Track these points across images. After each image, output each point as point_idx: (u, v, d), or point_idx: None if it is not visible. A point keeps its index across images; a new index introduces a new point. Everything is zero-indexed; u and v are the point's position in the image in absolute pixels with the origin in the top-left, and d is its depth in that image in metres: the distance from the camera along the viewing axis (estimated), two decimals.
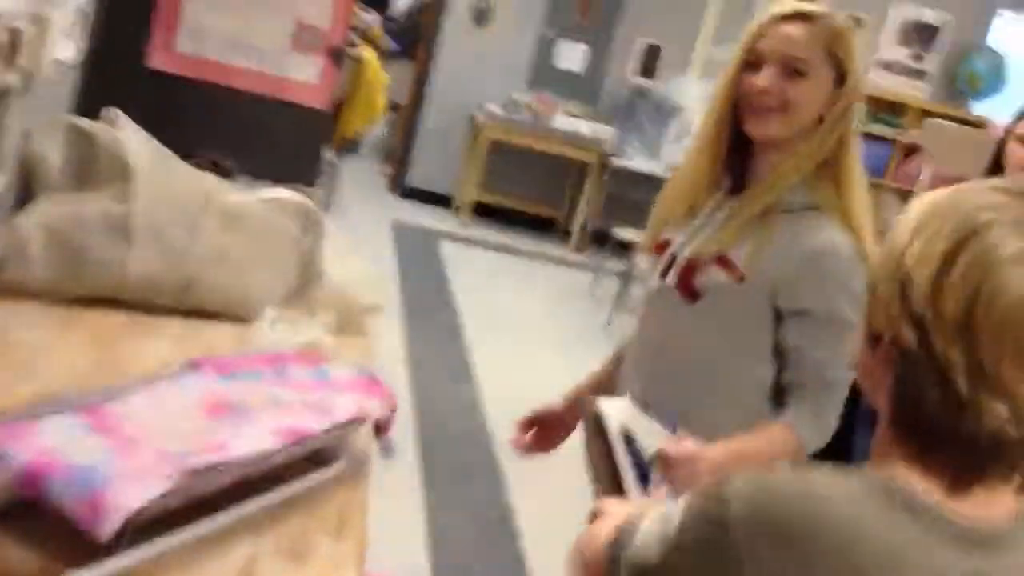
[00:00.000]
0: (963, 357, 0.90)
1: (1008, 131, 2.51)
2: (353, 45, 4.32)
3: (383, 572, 2.80)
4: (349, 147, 4.38)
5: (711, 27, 8.13)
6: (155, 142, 2.36)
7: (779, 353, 1.74)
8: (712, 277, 1.72)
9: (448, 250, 7.41)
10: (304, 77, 3.14)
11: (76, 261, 2.12)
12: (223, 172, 2.82)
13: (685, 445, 1.64)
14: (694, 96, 7.61)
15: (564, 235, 8.39)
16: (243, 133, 3.03)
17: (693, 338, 1.79)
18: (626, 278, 6.29)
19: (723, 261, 1.71)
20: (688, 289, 1.75)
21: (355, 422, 1.71)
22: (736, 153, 1.79)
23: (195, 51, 3.00)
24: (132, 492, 1.26)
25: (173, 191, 2.24)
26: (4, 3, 1.93)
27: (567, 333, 5.99)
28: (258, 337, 2.17)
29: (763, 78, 1.68)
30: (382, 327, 2.51)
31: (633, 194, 7.83)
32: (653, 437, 1.65)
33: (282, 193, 2.50)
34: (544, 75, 8.41)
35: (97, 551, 1.27)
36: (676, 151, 7.60)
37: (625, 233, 6.42)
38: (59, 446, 1.35)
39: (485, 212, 8.43)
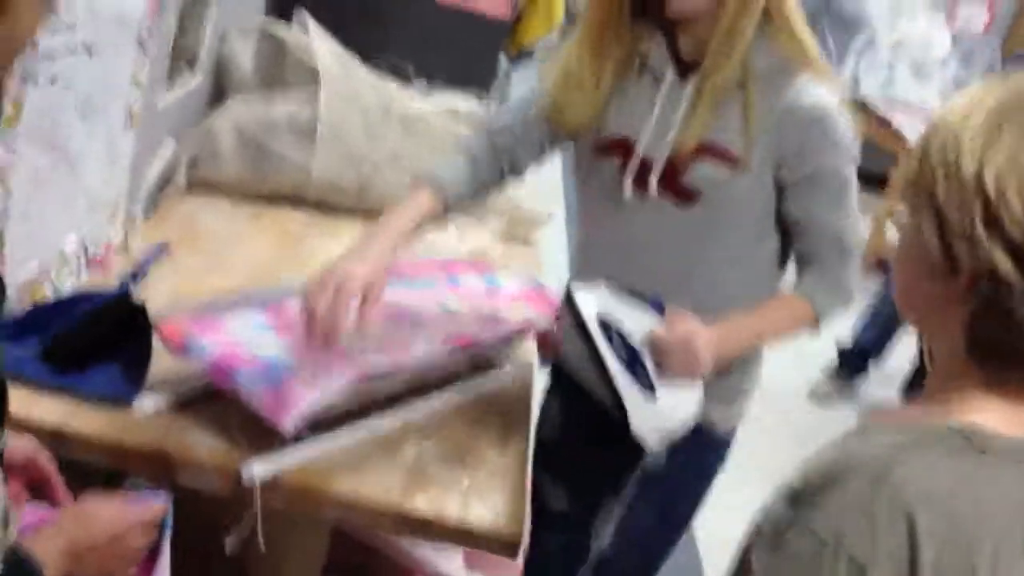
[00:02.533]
0: None
1: None
2: None
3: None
4: (523, 54, 4.38)
5: None
6: (340, 48, 2.42)
7: (782, 223, 1.59)
8: (704, 172, 1.52)
9: None
10: None
11: (263, 160, 2.21)
12: (402, 76, 2.86)
13: (678, 325, 1.48)
14: (883, 9, 7.23)
15: None
16: (423, 38, 3.04)
17: (694, 241, 1.58)
18: None
19: (712, 151, 1.51)
20: (679, 192, 1.54)
21: (522, 333, 1.74)
22: (659, 34, 1.55)
23: None
24: (313, 389, 1.33)
25: (357, 97, 2.29)
26: None
27: None
28: (430, 241, 2.22)
29: None
30: (547, 236, 2.53)
31: None
32: (639, 322, 1.49)
33: (457, 101, 2.53)
34: None
35: (277, 442, 1.35)
36: (859, 65, 7.25)
37: None
38: (245, 341, 1.42)
39: None
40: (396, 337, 1.56)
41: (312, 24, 2.37)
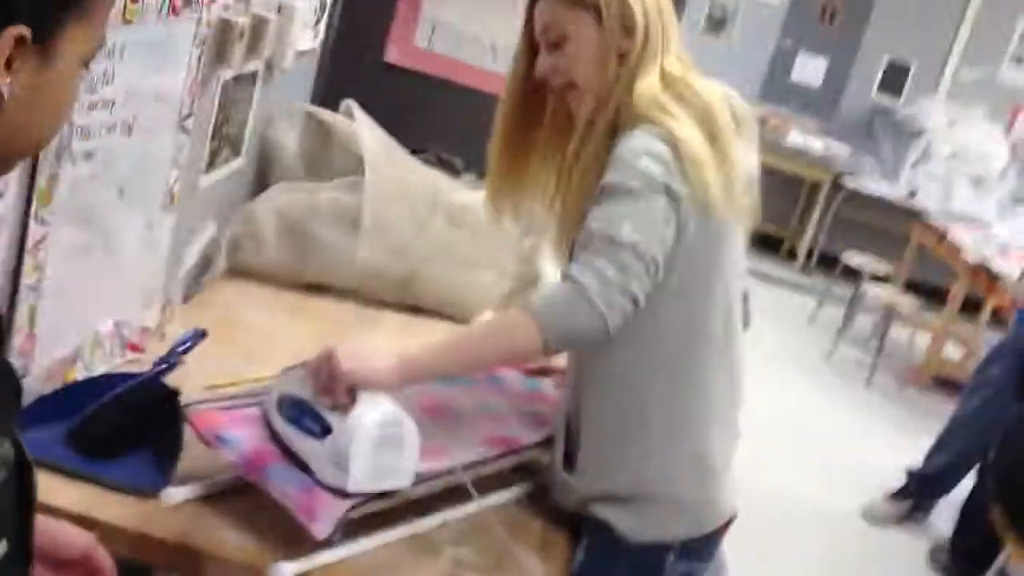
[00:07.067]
0: None
1: None
2: None
3: None
4: None
5: (963, 47, 7.66)
6: (387, 136, 2.39)
7: None
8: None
9: None
10: None
11: (305, 248, 2.16)
12: (450, 168, 2.83)
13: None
14: (940, 119, 7.18)
15: (789, 256, 8.10)
16: (471, 130, 3.02)
17: None
18: (853, 305, 5.98)
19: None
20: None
21: None
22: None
23: (430, 46, 3.02)
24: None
25: (403, 187, 2.25)
26: None
27: (785, 358, 5.77)
28: None
29: (538, 67, 1.55)
30: None
31: (865, 217, 7.44)
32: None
33: None
34: (778, 88, 8.11)
35: (308, 543, 1.26)
36: (915, 175, 7.18)
37: (855, 258, 6.09)
38: (281, 436, 1.34)
39: None
40: (436, 435, 1.47)
41: (358, 111, 2.34)
